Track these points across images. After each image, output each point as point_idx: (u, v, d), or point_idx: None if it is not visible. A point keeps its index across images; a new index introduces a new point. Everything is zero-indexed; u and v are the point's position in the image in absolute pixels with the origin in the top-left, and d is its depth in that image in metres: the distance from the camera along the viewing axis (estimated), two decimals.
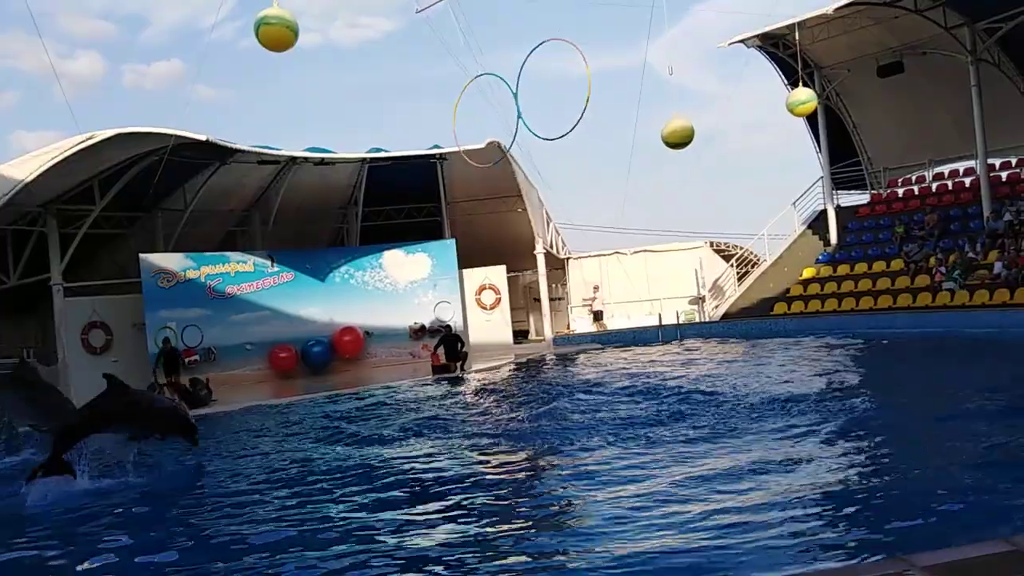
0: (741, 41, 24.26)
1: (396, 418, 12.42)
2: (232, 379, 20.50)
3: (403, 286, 23.66)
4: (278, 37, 12.23)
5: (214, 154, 20.16)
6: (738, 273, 26.99)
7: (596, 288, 26.94)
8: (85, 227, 19.08)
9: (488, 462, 8.47)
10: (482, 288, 25.01)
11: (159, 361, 18.06)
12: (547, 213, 26.59)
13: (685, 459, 7.70)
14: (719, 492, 6.39)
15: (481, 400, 14.26)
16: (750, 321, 23.90)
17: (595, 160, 68.53)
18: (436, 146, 22.59)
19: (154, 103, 67.88)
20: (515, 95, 14.57)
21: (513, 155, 22.70)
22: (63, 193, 18.65)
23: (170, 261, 20.51)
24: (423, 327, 23.54)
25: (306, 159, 21.94)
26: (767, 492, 6.30)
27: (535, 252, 24.98)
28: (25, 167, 16.71)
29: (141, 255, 19.97)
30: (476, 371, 19.17)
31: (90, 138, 16.59)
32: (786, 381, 12.61)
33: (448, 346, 19.56)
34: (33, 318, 20.29)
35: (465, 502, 6.77)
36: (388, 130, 71.46)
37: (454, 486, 7.31)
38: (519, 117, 14.53)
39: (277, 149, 20.57)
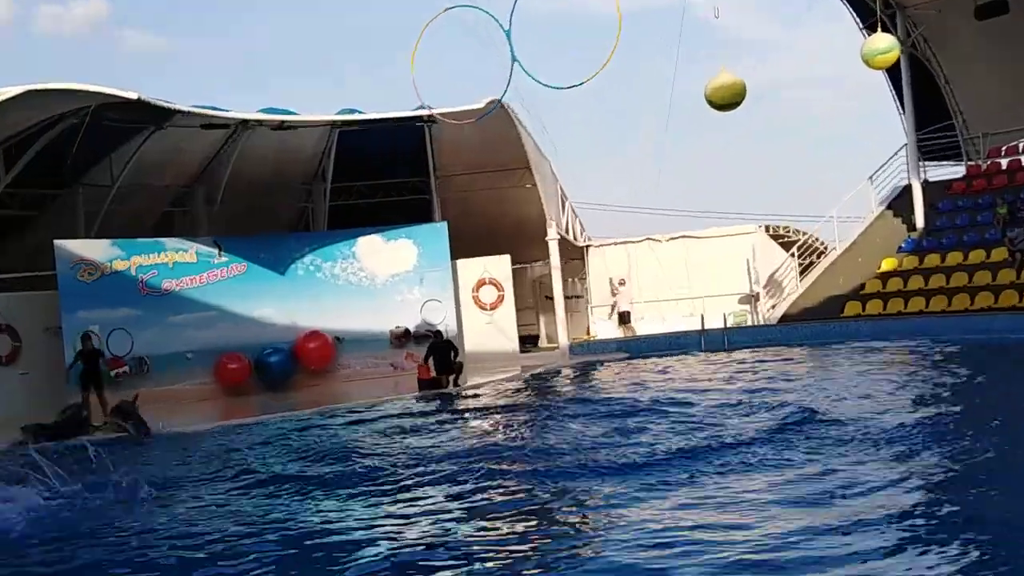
0: None
1: (368, 448, 12.30)
2: (168, 395, 20.38)
3: (382, 280, 23.57)
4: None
5: (148, 116, 20.06)
6: (800, 265, 26.85)
7: (622, 283, 26.81)
8: None
9: (489, 515, 8.33)
10: (481, 283, 24.90)
11: (75, 363, 17.82)
12: (562, 189, 26.47)
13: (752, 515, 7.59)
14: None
15: (480, 426, 14.14)
16: (815, 324, 23.79)
17: (621, 125, 68.44)
18: (423, 106, 22.45)
19: (73, 53, 67.93)
20: (507, 33, 14.42)
21: (519, 116, 22.58)
22: None
23: (93, 249, 20.41)
24: (407, 332, 23.44)
25: (261, 122, 21.85)
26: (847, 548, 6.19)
27: (547, 238, 24.84)
28: None
29: (56, 242, 19.86)
30: (473, 387, 19.07)
31: None
32: (864, 397, 12.46)
33: (438, 356, 19.44)
34: None
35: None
36: (365, 88, 71.46)
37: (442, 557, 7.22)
38: (513, 60, 14.37)
39: (225, 110, 20.47)
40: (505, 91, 15.85)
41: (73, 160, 20.01)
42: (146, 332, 20.68)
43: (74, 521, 8.74)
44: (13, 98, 16.57)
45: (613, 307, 26.63)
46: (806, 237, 27.81)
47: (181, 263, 21.40)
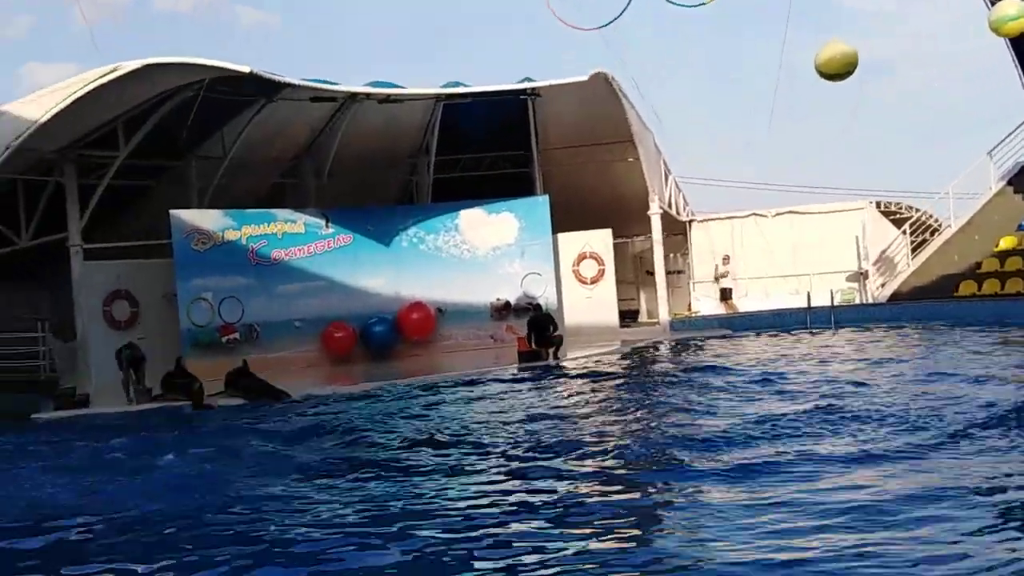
0: None
1: (465, 418, 12.41)
2: (276, 362, 20.89)
3: (484, 253, 23.63)
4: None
5: (259, 90, 20.47)
6: (912, 242, 25.93)
7: (726, 259, 26.33)
8: (108, 177, 19.67)
9: (592, 484, 8.29)
10: (582, 257, 24.73)
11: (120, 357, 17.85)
12: (665, 163, 26.09)
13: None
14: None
15: (579, 398, 14.10)
16: (927, 304, 23.00)
17: (726, 97, 67.03)
18: (528, 79, 22.35)
19: (189, 29, 69.88)
20: None
21: (623, 89, 22.27)
22: (83, 136, 19.25)
23: (206, 219, 21.00)
24: (508, 304, 23.48)
25: (368, 95, 22.05)
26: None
27: (649, 213, 24.50)
28: (39, 105, 17.30)
29: (172, 212, 20.50)
30: (572, 360, 19.01)
31: (114, 70, 17.04)
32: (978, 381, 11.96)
33: (538, 329, 19.44)
34: (46, 286, 21.11)
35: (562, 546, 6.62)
36: (470, 62, 71.62)
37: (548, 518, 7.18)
38: None
39: (334, 84, 20.73)
40: (624, 10, 15.19)
41: (187, 133, 20.52)
42: (256, 300, 21.22)
43: None
44: (133, 72, 17.12)
45: (716, 282, 26.18)
46: (919, 214, 26.80)
47: (290, 233, 21.84)
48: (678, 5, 14.32)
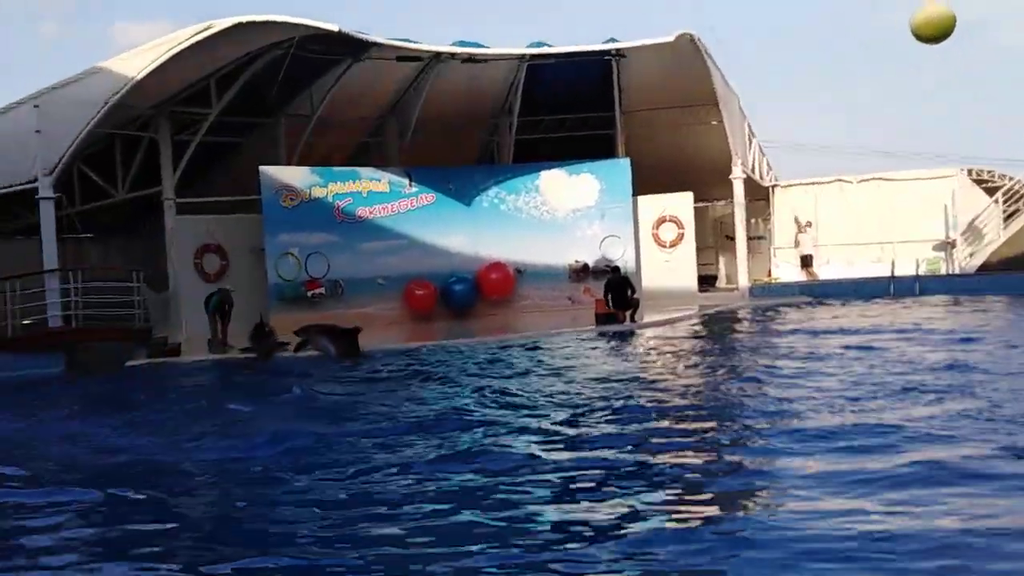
0: None
1: (546, 381, 12.49)
2: (360, 318, 21.25)
3: (564, 215, 23.66)
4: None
5: (346, 49, 20.71)
6: (1005, 211, 25.12)
7: (808, 225, 25.84)
8: (200, 134, 20.19)
9: (664, 451, 8.31)
10: (661, 220, 24.59)
11: (210, 300, 18.44)
12: (750, 127, 25.70)
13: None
14: None
15: (652, 362, 14.11)
16: (1017, 275, 22.33)
17: (814, 57, 65.32)
18: (612, 39, 22.15)
19: None
20: None
21: (709, 51, 21.94)
22: (176, 93, 19.77)
23: (294, 176, 21.42)
24: (586, 266, 23.53)
25: (453, 55, 22.13)
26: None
27: (731, 177, 24.19)
28: (135, 62, 17.76)
29: (262, 168, 20.96)
30: (650, 324, 18.99)
31: (207, 28, 17.43)
32: None
33: (616, 291, 19.44)
34: (140, 238, 21.81)
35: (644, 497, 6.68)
36: (553, 21, 70.98)
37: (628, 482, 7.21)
38: None
39: (419, 43, 20.84)
40: None
41: (277, 91, 20.87)
42: (341, 257, 21.64)
43: None
44: (225, 30, 17.49)
45: (797, 245, 25.75)
46: (1012, 182, 25.90)
47: (374, 192, 22.16)
48: None
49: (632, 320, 19.17)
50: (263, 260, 20.79)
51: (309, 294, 21.02)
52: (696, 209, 25.20)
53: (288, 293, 20.89)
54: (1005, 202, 25.22)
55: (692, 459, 7.71)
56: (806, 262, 25.62)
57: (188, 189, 20.96)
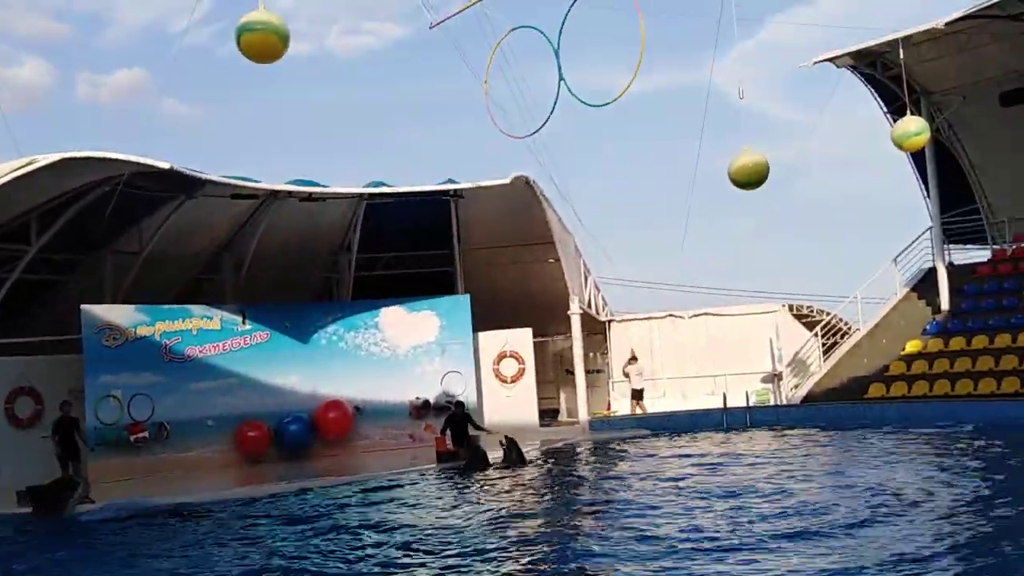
0: (830, 59, 24.23)
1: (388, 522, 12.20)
2: (188, 462, 20.35)
3: (404, 351, 23.56)
4: (264, 45, 12.39)
5: (179, 186, 20.37)
6: (824, 345, 26.59)
7: (633, 358, 26.40)
8: (17, 271, 19.27)
9: None
10: (502, 356, 24.82)
11: (54, 433, 17.61)
12: (585, 264, 26.50)
13: None
14: None
15: (500, 498, 14.01)
16: (838, 405, 23.48)
17: (645, 200, 68.71)
18: (451, 180, 22.68)
19: (112, 120, 69.41)
20: (556, 52, 14.40)
21: (544, 192, 22.73)
22: None
23: (119, 315, 20.57)
24: (427, 403, 23.34)
25: (290, 193, 22.08)
26: None
27: (569, 312, 24.79)
28: None
29: (83, 307, 20.03)
30: (494, 462, 18.89)
31: (30, 163, 16.79)
32: (880, 491, 12.21)
33: (456, 428, 19.30)
34: None
35: None
36: (391, 160, 72.45)
37: None
38: (560, 79, 14.36)
39: (256, 181, 20.74)
40: (552, 111, 15.56)
41: (103, 227, 20.22)
42: (168, 397, 20.72)
43: None
44: (50, 165, 16.89)
45: (626, 375, 26.29)
46: (830, 317, 27.55)
47: (205, 330, 21.50)
48: (586, 104, 14.81)
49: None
50: (82, 403, 19.65)
51: (132, 438, 19.95)
52: (536, 344, 25.57)
53: (109, 437, 19.75)
54: (824, 336, 26.74)
55: None
56: (636, 395, 26.01)
57: (4, 328, 19.80)
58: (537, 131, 16.77)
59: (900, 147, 19.25)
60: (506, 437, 18.52)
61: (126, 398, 20.12)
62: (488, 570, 8.98)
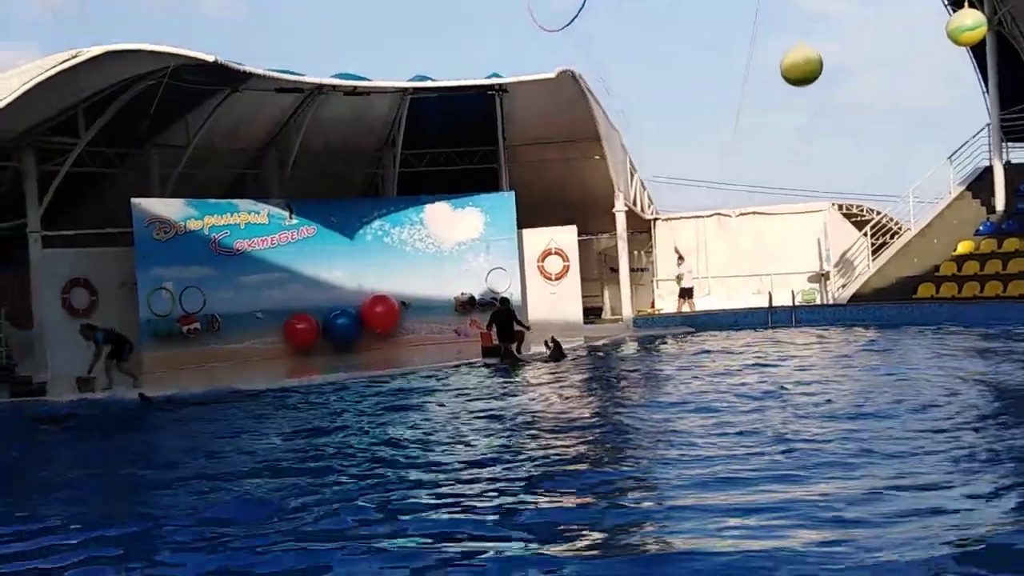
0: None
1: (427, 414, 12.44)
2: (238, 353, 20.81)
3: (449, 248, 23.63)
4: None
5: (223, 79, 20.29)
6: (873, 244, 26.23)
7: (681, 258, 26.35)
8: (67, 164, 19.45)
9: (547, 474, 8.35)
10: (547, 253, 24.81)
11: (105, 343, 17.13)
12: (631, 162, 26.21)
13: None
14: None
15: (543, 394, 14.19)
16: (886, 305, 23.30)
17: (693, 98, 67.41)
18: (495, 75, 22.36)
19: (153, 16, 69.01)
20: None
21: (590, 87, 22.38)
22: (42, 122, 19.01)
23: (168, 208, 20.80)
24: (472, 299, 23.51)
25: (335, 87, 21.93)
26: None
27: (614, 210, 24.65)
28: None
29: (133, 200, 20.28)
30: (534, 356, 19.10)
31: (75, 56, 16.81)
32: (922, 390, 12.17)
33: (501, 324, 19.48)
34: (3, 272, 20.82)
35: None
36: (437, 59, 71.47)
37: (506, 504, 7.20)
38: None
39: (300, 74, 20.61)
40: (579, 12, 15.27)
41: (150, 121, 20.27)
42: (218, 291, 21.08)
43: None
44: (94, 58, 16.91)
45: (678, 279, 26.25)
46: (880, 217, 27.10)
47: (253, 224, 21.71)
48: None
49: (519, 351, 19.20)
50: (134, 295, 20.07)
51: (184, 330, 20.39)
52: (581, 242, 25.50)
53: (161, 329, 20.19)
54: (873, 236, 26.36)
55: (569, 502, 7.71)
56: (685, 294, 26.03)
57: (56, 221, 20.15)
58: (570, 23, 16.48)
59: (955, 41, 18.65)
60: (552, 338, 18.91)
61: (177, 290, 20.49)
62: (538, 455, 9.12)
